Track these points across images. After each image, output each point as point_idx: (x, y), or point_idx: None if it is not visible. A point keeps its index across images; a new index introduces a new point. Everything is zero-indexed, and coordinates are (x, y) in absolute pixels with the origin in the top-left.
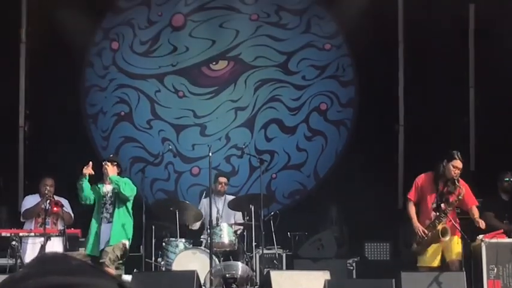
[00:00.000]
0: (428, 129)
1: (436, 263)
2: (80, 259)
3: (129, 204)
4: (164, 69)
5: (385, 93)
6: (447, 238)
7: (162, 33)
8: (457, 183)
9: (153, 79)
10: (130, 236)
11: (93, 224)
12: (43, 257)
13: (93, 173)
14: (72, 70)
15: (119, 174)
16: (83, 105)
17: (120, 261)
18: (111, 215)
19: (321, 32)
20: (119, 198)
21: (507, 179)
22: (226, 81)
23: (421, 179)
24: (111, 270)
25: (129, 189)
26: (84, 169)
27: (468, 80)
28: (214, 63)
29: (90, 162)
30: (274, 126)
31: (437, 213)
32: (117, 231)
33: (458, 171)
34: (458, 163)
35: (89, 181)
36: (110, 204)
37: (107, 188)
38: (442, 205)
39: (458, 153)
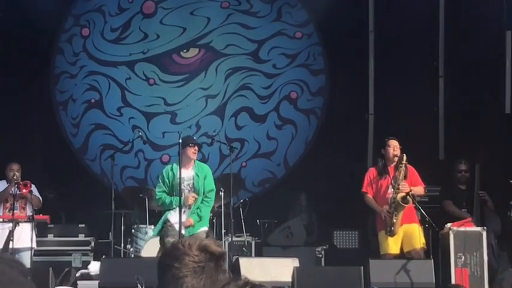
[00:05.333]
0: (398, 118)
1: (397, 250)
2: None
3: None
4: (135, 56)
5: (356, 82)
6: (410, 202)
7: (133, 20)
8: (402, 162)
9: (123, 66)
10: (208, 223)
11: (173, 210)
12: None
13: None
14: (41, 57)
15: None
16: (53, 92)
17: None
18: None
19: (292, 20)
20: (198, 187)
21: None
22: (197, 69)
23: (371, 171)
24: None
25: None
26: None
27: (438, 69)
28: (185, 50)
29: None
30: (245, 115)
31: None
32: (198, 221)
33: (398, 149)
34: (392, 142)
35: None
36: (188, 192)
37: (184, 173)
38: (390, 191)
39: (390, 136)
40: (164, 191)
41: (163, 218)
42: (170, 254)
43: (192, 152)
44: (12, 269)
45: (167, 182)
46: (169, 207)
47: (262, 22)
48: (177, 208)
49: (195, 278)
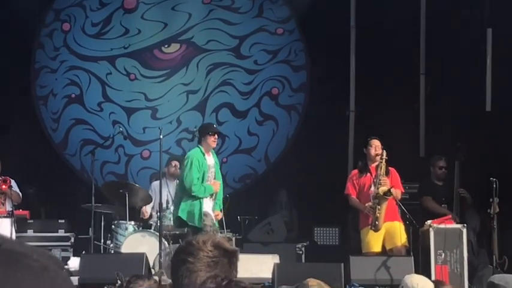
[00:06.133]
0: (379, 115)
1: (379, 248)
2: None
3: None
4: (116, 51)
5: (337, 78)
6: (393, 194)
7: (114, 15)
8: (381, 158)
9: (104, 61)
10: None
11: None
12: None
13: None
14: (22, 51)
15: None
16: (33, 87)
17: None
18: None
19: (273, 16)
20: (217, 176)
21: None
22: (178, 64)
23: (353, 173)
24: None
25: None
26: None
27: (419, 66)
28: (166, 46)
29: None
30: (226, 110)
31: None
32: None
33: (379, 149)
34: (374, 141)
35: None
36: (213, 179)
37: (208, 161)
38: (372, 189)
39: (372, 136)
40: (198, 178)
41: (199, 208)
42: (185, 250)
43: (212, 140)
44: (46, 259)
45: (200, 168)
46: (203, 196)
47: (243, 18)
48: (208, 197)
49: (209, 272)
